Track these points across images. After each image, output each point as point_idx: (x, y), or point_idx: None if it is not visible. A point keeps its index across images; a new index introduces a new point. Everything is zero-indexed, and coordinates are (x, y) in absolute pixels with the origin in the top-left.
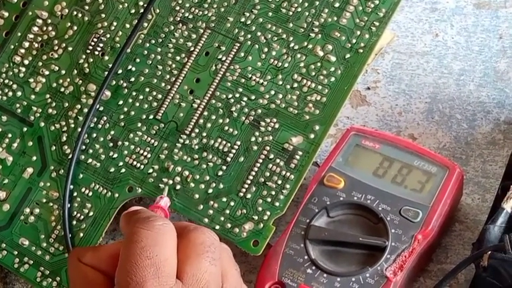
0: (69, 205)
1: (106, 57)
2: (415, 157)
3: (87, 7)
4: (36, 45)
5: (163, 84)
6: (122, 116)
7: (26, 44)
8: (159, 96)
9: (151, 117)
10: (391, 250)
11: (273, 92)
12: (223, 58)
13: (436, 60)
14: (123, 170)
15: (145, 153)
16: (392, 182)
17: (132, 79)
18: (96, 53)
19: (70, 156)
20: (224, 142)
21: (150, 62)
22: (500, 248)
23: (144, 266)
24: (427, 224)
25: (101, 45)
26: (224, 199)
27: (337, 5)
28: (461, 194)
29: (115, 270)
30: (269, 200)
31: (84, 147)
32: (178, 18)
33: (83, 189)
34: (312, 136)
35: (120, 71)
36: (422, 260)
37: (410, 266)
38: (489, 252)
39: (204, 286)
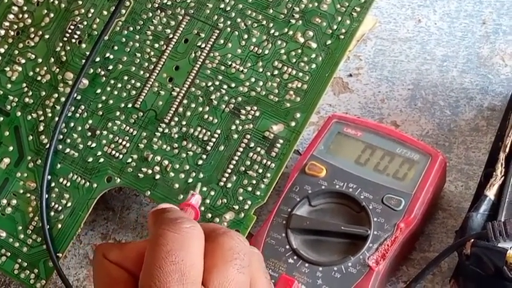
0: (46, 196)
1: (83, 45)
2: (398, 144)
3: None
4: (12, 33)
5: (141, 72)
6: (100, 105)
7: (2, 32)
8: (138, 84)
9: (129, 105)
10: (373, 239)
11: (253, 80)
12: (203, 45)
13: (419, 46)
14: (101, 160)
15: (124, 143)
16: (374, 170)
17: (110, 67)
18: (74, 40)
19: (47, 146)
20: (204, 131)
21: (128, 49)
22: (483, 235)
23: (168, 272)
24: (409, 212)
25: (78, 32)
26: (204, 188)
27: None
28: (444, 181)
29: (141, 269)
30: (250, 189)
31: (61, 136)
32: (157, 5)
33: (61, 180)
34: (293, 124)
35: (97, 59)
36: (405, 249)
37: (392, 254)
38: (472, 240)
39: None
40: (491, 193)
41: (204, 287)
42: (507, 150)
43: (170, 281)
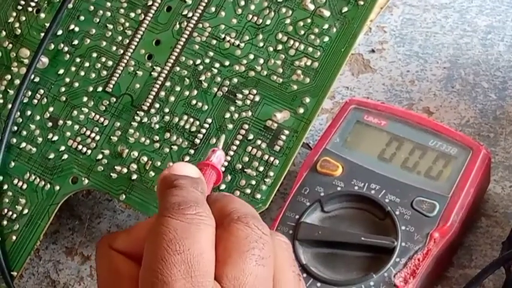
0: None
1: (42, 15)
2: (431, 136)
3: None
4: None
5: (114, 48)
6: (63, 89)
7: None
8: (110, 63)
9: (99, 89)
10: (400, 252)
11: (252, 57)
12: (190, 14)
13: (457, 14)
14: (65, 157)
15: (92, 135)
16: (402, 167)
17: (75, 42)
18: (30, 9)
19: None
20: (192, 120)
21: (98, 20)
22: None
23: (173, 263)
24: (445, 219)
25: None
26: None
27: None
28: (488, 181)
29: None
30: (248, 191)
31: (16, 128)
32: None
33: (15, 181)
34: (301, 111)
35: (60, 32)
36: (440, 264)
37: (425, 271)
38: None
39: None
40: None
41: (218, 282)
42: None
43: (175, 273)
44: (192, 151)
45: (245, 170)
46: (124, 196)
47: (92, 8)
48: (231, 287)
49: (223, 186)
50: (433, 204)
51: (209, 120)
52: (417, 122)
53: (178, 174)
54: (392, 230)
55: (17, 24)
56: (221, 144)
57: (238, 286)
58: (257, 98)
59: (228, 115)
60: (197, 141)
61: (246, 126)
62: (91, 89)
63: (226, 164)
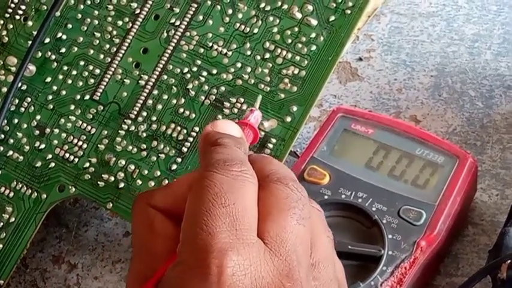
0: None
1: (29, 23)
2: (418, 144)
3: None
4: None
5: (102, 56)
6: (50, 97)
7: None
8: (97, 71)
9: (87, 97)
10: (387, 260)
11: (239, 65)
12: (177, 22)
13: (444, 23)
14: (52, 165)
15: (80, 143)
16: (389, 176)
17: (63, 50)
18: (17, 17)
19: None
20: (179, 128)
21: (85, 28)
22: None
23: (217, 215)
24: (432, 227)
25: (23, 7)
26: None
27: None
28: (475, 189)
29: None
30: None
31: (3, 136)
32: None
33: (2, 189)
34: (289, 119)
35: (47, 40)
36: (427, 272)
37: (411, 280)
38: (508, 261)
39: (291, 250)
40: None
41: (260, 238)
42: None
43: (220, 225)
44: (179, 159)
45: None
46: (111, 204)
47: (79, 16)
48: (273, 243)
49: None
50: (420, 213)
51: (196, 129)
52: (404, 130)
53: (222, 133)
54: (379, 239)
55: (4, 32)
56: (258, 104)
57: (280, 242)
58: (244, 107)
59: None
60: (184, 149)
61: None
62: (78, 97)
63: None
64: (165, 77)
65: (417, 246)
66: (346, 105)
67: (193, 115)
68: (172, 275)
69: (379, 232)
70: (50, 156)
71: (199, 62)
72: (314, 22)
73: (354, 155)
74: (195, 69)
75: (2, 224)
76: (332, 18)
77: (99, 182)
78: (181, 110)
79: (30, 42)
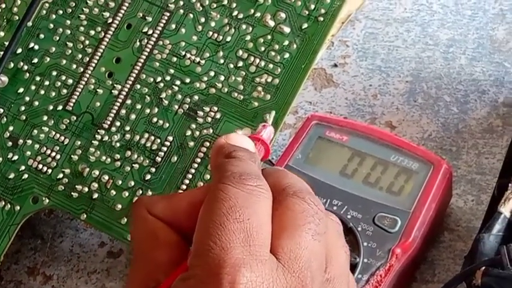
0: None
1: (1, 33)
2: (392, 151)
3: None
4: None
5: (74, 66)
6: (22, 108)
7: None
8: (70, 81)
9: (60, 108)
10: (363, 268)
11: (212, 74)
12: (150, 31)
13: (418, 28)
14: (25, 176)
15: (53, 154)
16: (364, 183)
17: (35, 60)
18: None
19: None
20: (152, 138)
21: (58, 38)
22: (497, 262)
23: (232, 230)
24: (407, 234)
25: None
26: None
27: None
28: (450, 195)
29: (194, 226)
30: None
31: None
32: None
33: None
34: None
35: (19, 51)
36: (403, 279)
37: (387, 287)
38: (483, 268)
39: (304, 266)
40: (506, 209)
41: (273, 254)
42: None
43: (234, 240)
44: (153, 169)
45: None
46: (85, 215)
47: (51, 26)
48: (287, 259)
49: None
50: (395, 220)
51: (170, 138)
52: (378, 137)
53: (237, 146)
54: (355, 246)
55: None
56: (271, 119)
57: (293, 259)
58: (218, 115)
59: (189, 133)
60: (158, 159)
61: (207, 144)
62: (51, 107)
63: (187, 182)
64: (138, 86)
65: (392, 254)
66: (320, 113)
67: (167, 124)
68: None
69: (355, 240)
70: (23, 167)
71: (172, 71)
72: (287, 30)
73: (329, 162)
74: (168, 78)
75: None
76: (305, 25)
77: (72, 193)
78: (155, 119)
79: (2, 52)
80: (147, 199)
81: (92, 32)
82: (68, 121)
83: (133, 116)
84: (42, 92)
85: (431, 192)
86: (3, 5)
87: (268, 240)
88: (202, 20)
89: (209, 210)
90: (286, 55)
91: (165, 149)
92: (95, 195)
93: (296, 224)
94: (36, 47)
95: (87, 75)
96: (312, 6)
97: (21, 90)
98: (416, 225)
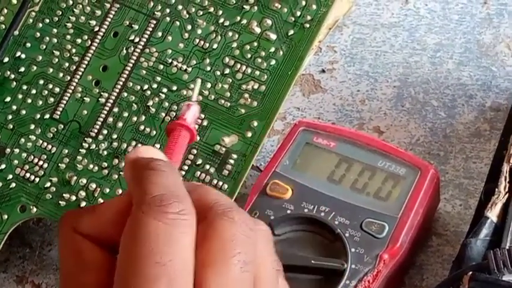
0: None
1: None
2: (379, 157)
3: None
4: None
5: (61, 75)
6: (10, 117)
7: None
8: (57, 89)
9: (47, 116)
10: (351, 274)
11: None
12: (136, 39)
13: (406, 33)
14: (13, 185)
15: (40, 163)
16: (351, 189)
17: (22, 69)
18: None
19: None
20: (140, 145)
21: (44, 46)
22: (484, 267)
23: (153, 276)
24: (394, 240)
25: None
26: None
27: None
28: (438, 200)
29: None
30: None
31: None
32: None
33: None
34: (250, 135)
35: (6, 60)
36: (391, 285)
37: None
38: (470, 272)
39: None
40: (493, 214)
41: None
42: (511, 160)
43: (156, 286)
44: None
45: None
46: None
47: (38, 34)
48: None
49: None
50: (382, 226)
51: (157, 146)
52: (366, 142)
53: (151, 157)
54: (342, 252)
55: None
56: (196, 92)
57: None
58: (205, 123)
59: None
60: None
61: (194, 151)
62: (38, 116)
63: None
64: (125, 94)
65: (380, 259)
66: (308, 119)
67: (154, 132)
68: None
69: (342, 246)
70: (10, 176)
71: (159, 78)
72: (273, 36)
73: (316, 168)
74: (155, 86)
75: None
76: (291, 32)
77: (60, 202)
78: (142, 127)
79: None
80: (71, 216)
81: (79, 41)
82: (55, 129)
83: (120, 124)
84: (29, 100)
85: (418, 197)
86: None
87: (191, 277)
88: (189, 27)
89: (128, 253)
90: (273, 62)
91: None
92: (83, 204)
93: (225, 256)
94: (23, 56)
95: (74, 84)
96: (298, 13)
97: (8, 99)
98: (404, 230)
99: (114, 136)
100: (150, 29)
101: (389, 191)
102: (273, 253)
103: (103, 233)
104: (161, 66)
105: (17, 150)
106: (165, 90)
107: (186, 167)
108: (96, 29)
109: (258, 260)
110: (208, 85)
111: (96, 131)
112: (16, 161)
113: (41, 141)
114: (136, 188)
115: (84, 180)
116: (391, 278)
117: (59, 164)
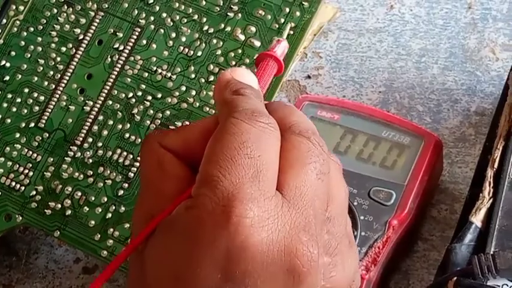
0: None
1: None
2: (383, 127)
3: None
4: None
5: (46, 83)
6: None
7: None
8: (42, 98)
9: (32, 125)
10: (361, 241)
11: (184, 88)
12: (121, 47)
13: (391, 38)
14: None
15: (26, 171)
16: (357, 159)
17: (7, 78)
18: None
19: None
20: (125, 153)
21: (29, 55)
22: (468, 272)
23: (242, 165)
24: (402, 206)
25: None
26: (127, 225)
27: None
28: (441, 167)
29: None
30: None
31: None
32: None
33: None
34: None
35: None
36: (399, 252)
37: (385, 259)
38: (455, 278)
39: (308, 204)
40: (477, 219)
41: (278, 191)
42: (496, 165)
43: (243, 175)
44: (126, 185)
45: None
46: (59, 232)
47: (23, 43)
48: (292, 196)
49: None
50: (390, 193)
51: None
52: (369, 114)
53: (244, 83)
54: (352, 221)
55: None
56: (286, 33)
57: (299, 195)
58: None
59: None
60: (131, 174)
61: None
62: (23, 124)
63: None
64: (110, 102)
65: (389, 226)
66: (311, 94)
67: (139, 140)
68: (186, 217)
69: (351, 214)
70: None
71: (143, 86)
72: (257, 43)
73: None
74: (139, 93)
75: None
76: (275, 39)
77: (46, 210)
78: (127, 135)
79: None
80: (158, 132)
81: (63, 49)
82: (41, 138)
83: (105, 132)
84: (14, 109)
85: (423, 165)
86: None
87: (275, 177)
88: (173, 35)
89: (220, 143)
90: None
91: (137, 164)
92: (68, 212)
93: (302, 162)
94: (8, 65)
95: (59, 92)
96: (282, 20)
97: None
98: (411, 197)
99: (99, 144)
100: (135, 36)
101: (394, 160)
102: (345, 185)
103: (187, 150)
104: (146, 74)
105: (2, 159)
106: (149, 97)
107: None
108: (81, 37)
109: (332, 182)
110: (193, 92)
111: (81, 139)
112: (1, 170)
113: (26, 150)
114: (227, 106)
115: (70, 189)
116: (399, 245)
117: (44, 173)
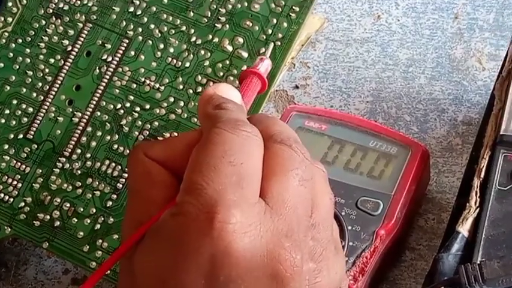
0: None
1: None
2: (371, 137)
3: None
4: None
5: (34, 95)
6: None
7: None
8: (30, 109)
9: (20, 136)
10: (349, 251)
11: (172, 99)
12: (109, 59)
13: (378, 48)
14: None
15: (14, 183)
16: (345, 169)
17: None
18: None
19: None
20: (113, 164)
21: (18, 66)
22: (455, 281)
23: (225, 173)
24: (390, 216)
25: None
26: (115, 236)
27: None
28: (428, 177)
29: None
30: None
31: None
32: (51, 11)
33: None
34: None
35: None
36: (387, 262)
37: (373, 269)
38: (442, 287)
39: (291, 210)
40: (464, 229)
41: (261, 198)
42: (482, 175)
43: (227, 183)
44: (114, 196)
45: None
46: (47, 244)
47: (11, 54)
48: (275, 202)
49: None
50: (377, 203)
51: None
52: (357, 124)
53: (226, 98)
54: (340, 231)
55: None
56: (269, 52)
57: (281, 201)
58: None
59: None
60: (119, 185)
61: None
62: (12, 136)
63: None
64: (99, 113)
65: (376, 236)
66: (299, 104)
67: (128, 151)
68: (171, 224)
69: (339, 224)
70: None
71: (132, 97)
72: (245, 54)
73: (310, 151)
74: (128, 104)
75: None
76: (263, 50)
77: (34, 222)
78: (116, 146)
79: None
80: (144, 143)
81: (52, 60)
82: (29, 149)
83: (94, 143)
84: (3, 120)
85: (410, 175)
86: None
87: (258, 185)
88: (161, 46)
89: (203, 152)
90: None
91: (126, 175)
92: (57, 223)
93: (284, 169)
94: None
95: (48, 103)
96: (270, 31)
97: None
98: (398, 207)
99: (88, 155)
100: (123, 48)
101: (382, 170)
102: (330, 191)
103: (172, 161)
104: (134, 85)
105: None
106: (138, 109)
107: None
108: (69, 48)
109: (316, 188)
110: (181, 103)
111: (70, 150)
112: None
113: (14, 161)
114: (210, 119)
115: (58, 200)
116: (387, 255)
117: (33, 184)
